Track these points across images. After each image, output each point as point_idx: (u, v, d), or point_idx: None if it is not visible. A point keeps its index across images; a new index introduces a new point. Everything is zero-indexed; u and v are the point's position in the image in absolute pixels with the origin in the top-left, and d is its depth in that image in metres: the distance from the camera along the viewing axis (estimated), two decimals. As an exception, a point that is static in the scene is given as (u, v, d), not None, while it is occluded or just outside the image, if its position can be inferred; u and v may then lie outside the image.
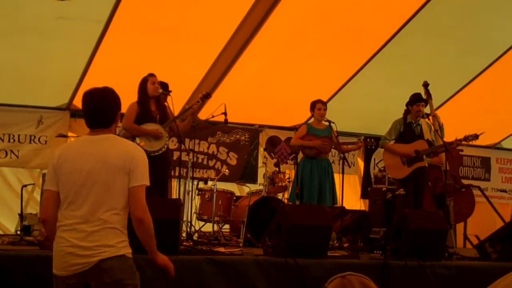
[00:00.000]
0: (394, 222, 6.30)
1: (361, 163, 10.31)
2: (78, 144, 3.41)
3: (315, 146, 7.46)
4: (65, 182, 3.25)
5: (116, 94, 3.43)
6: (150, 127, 6.54)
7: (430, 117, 7.50)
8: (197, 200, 7.59)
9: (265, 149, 8.79)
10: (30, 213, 7.09)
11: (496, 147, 11.17)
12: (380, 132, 8.15)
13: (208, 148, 9.28)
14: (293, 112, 9.33)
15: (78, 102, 8.35)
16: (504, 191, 10.50)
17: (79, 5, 7.00)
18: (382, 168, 9.00)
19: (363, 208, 9.48)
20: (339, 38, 8.32)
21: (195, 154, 8.70)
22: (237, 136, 9.48)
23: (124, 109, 6.45)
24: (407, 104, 7.66)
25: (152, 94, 6.60)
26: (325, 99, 7.92)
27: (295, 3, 7.68)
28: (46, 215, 3.31)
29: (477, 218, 9.17)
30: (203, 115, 7.93)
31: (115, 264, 3.17)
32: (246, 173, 9.43)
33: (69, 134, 8.16)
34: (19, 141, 8.13)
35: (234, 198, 7.71)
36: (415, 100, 7.56)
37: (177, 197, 7.54)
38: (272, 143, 9.67)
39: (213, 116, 7.22)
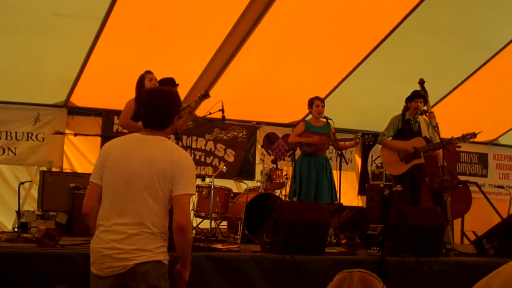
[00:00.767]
0: (392, 219, 6.32)
1: (358, 160, 10.32)
2: (126, 142, 3.31)
3: (313, 142, 7.46)
4: (107, 179, 3.19)
5: (178, 98, 3.33)
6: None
7: (427, 114, 7.50)
8: (194, 197, 7.58)
9: (262, 146, 8.80)
10: (28, 210, 7.11)
11: (493, 143, 11.20)
12: (378, 128, 8.14)
13: (205, 145, 9.27)
14: (291, 109, 9.34)
15: (75, 100, 8.36)
16: (501, 187, 10.52)
17: (76, 2, 7.00)
18: (380, 165, 9.00)
19: (360, 204, 9.50)
20: (336, 35, 8.33)
21: (192, 151, 8.70)
22: (235, 133, 9.47)
23: (121, 106, 6.47)
24: (406, 101, 7.66)
25: (150, 91, 6.58)
26: (322, 96, 7.90)
27: (292, 0, 7.69)
28: (88, 209, 3.24)
29: (475, 214, 9.18)
30: (200, 112, 7.92)
31: (151, 269, 3.12)
32: (243, 170, 9.43)
33: (67, 131, 8.16)
34: (16, 138, 8.12)
35: (232, 195, 7.72)
36: (413, 96, 7.56)
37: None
38: (270, 140, 9.67)
39: (210, 113, 7.20)
